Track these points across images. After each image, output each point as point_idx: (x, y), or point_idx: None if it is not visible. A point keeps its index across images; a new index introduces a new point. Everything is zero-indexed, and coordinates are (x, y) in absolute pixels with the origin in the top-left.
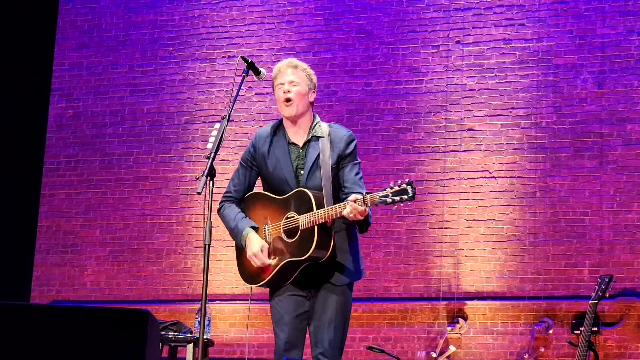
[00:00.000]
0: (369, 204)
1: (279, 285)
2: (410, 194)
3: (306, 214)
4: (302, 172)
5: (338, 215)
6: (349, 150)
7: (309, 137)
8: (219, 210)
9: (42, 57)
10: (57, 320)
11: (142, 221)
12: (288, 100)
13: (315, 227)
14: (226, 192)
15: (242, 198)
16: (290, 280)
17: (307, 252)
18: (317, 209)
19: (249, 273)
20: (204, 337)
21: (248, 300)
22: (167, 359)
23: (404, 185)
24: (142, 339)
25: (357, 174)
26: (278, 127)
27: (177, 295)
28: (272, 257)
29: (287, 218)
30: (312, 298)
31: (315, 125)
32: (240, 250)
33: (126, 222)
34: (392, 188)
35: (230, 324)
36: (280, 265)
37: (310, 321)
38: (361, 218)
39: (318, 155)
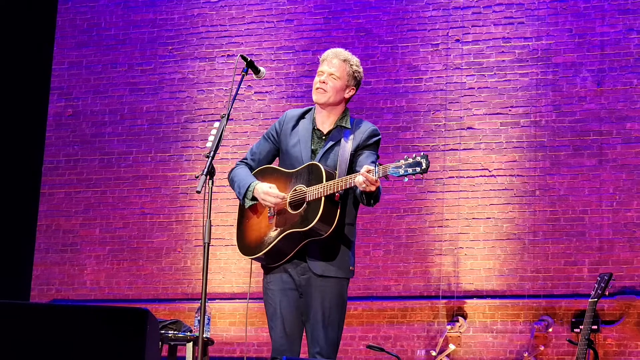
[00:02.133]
0: (381, 174)
1: (274, 262)
2: (424, 166)
3: (315, 186)
4: (318, 153)
5: (349, 185)
6: (369, 142)
7: (334, 126)
8: (231, 170)
9: (42, 56)
10: (57, 319)
11: (141, 220)
12: (321, 88)
13: (322, 200)
14: (243, 159)
15: (255, 167)
16: (288, 257)
17: (311, 223)
18: (327, 182)
19: (249, 244)
20: (204, 335)
21: (247, 299)
22: (167, 358)
23: (418, 158)
24: (142, 338)
25: (373, 162)
26: (308, 112)
27: (176, 294)
28: (275, 228)
29: (295, 190)
30: (305, 294)
31: (344, 117)
32: (242, 222)
33: (126, 221)
34: (406, 160)
35: (230, 323)
36: (281, 236)
37: (307, 318)
38: (373, 189)
39: (338, 142)
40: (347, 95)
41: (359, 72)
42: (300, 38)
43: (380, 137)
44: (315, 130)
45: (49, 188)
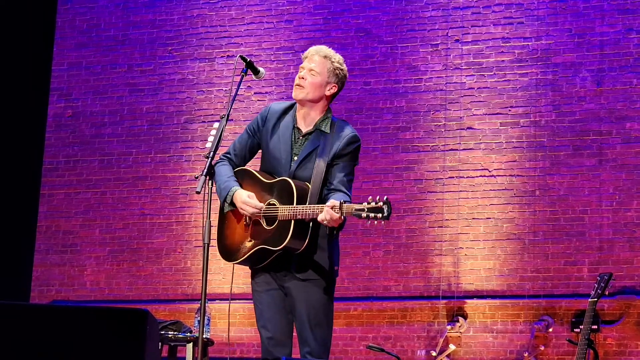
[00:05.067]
0: (345, 214)
1: (255, 265)
2: (385, 214)
3: (286, 206)
4: (295, 158)
5: (314, 217)
6: (347, 150)
7: (313, 129)
8: (215, 164)
9: (41, 57)
10: (57, 320)
11: (141, 221)
12: (299, 85)
13: (292, 221)
14: (226, 152)
15: (238, 164)
16: (266, 262)
17: (282, 244)
18: (297, 204)
19: (227, 249)
20: (204, 336)
21: (247, 299)
22: (167, 358)
23: (380, 204)
24: (142, 339)
25: (347, 175)
26: (290, 107)
27: (176, 294)
28: (250, 238)
29: (269, 204)
30: (289, 295)
31: (324, 119)
32: (222, 225)
33: (125, 221)
34: (369, 203)
35: (229, 323)
36: (255, 249)
37: (294, 318)
38: (335, 225)
39: (315, 149)
40: (327, 93)
41: (341, 69)
42: (300, 38)
43: (359, 143)
44: (295, 128)
45: (49, 189)
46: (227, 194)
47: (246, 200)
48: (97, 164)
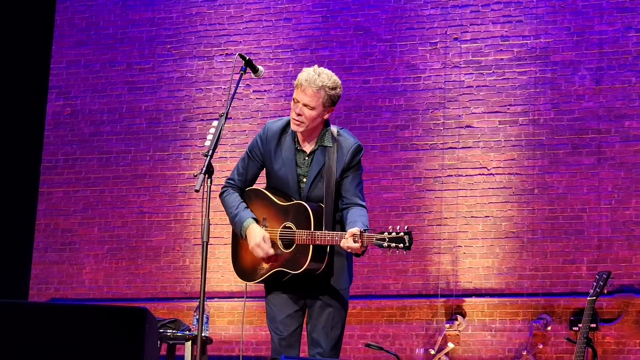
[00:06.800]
0: (365, 243)
1: (273, 283)
2: (407, 244)
3: (304, 231)
4: (304, 180)
5: (332, 243)
6: (354, 162)
7: (316, 147)
8: (221, 194)
9: (40, 55)
10: (56, 318)
11: (140, 219)
12: (297, 121)
13: (311, 247)
14: (229, 179)
15: (244, 188)
16: (284, 280)
17: (302, 267)
18: (315, 228)
19: (243, 269)
20: (203, 334)
21: (245, 297)
22: (166, 356)
23: (402, 234)
24: (140, 337)
25: (358, 184)
26: (288, 125)
27: (175, 293)
28: (267, 261)
29: (285, 227)
30: (308, 298)
31: (325, 133)
32: (237, 245)
33: (124, 219)
34: (390, 233)
35: (228, 322)
36: (273, 270)
37: (308, 320)
38: (359, 252)
39: (322, 166)
40: (326, 117)
41: (335, 93)
42: (299, 37)
43: (363, 151)
44: (298, 150)
45: (48, 187)
46: (241, 230)
47: (259, 243)
48: (95, 162)
